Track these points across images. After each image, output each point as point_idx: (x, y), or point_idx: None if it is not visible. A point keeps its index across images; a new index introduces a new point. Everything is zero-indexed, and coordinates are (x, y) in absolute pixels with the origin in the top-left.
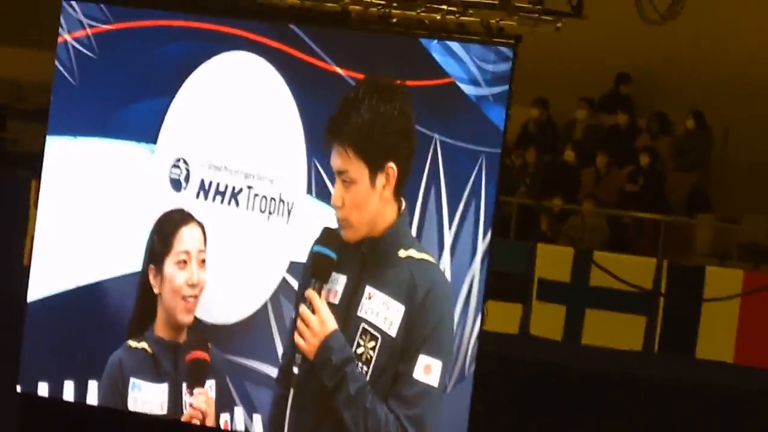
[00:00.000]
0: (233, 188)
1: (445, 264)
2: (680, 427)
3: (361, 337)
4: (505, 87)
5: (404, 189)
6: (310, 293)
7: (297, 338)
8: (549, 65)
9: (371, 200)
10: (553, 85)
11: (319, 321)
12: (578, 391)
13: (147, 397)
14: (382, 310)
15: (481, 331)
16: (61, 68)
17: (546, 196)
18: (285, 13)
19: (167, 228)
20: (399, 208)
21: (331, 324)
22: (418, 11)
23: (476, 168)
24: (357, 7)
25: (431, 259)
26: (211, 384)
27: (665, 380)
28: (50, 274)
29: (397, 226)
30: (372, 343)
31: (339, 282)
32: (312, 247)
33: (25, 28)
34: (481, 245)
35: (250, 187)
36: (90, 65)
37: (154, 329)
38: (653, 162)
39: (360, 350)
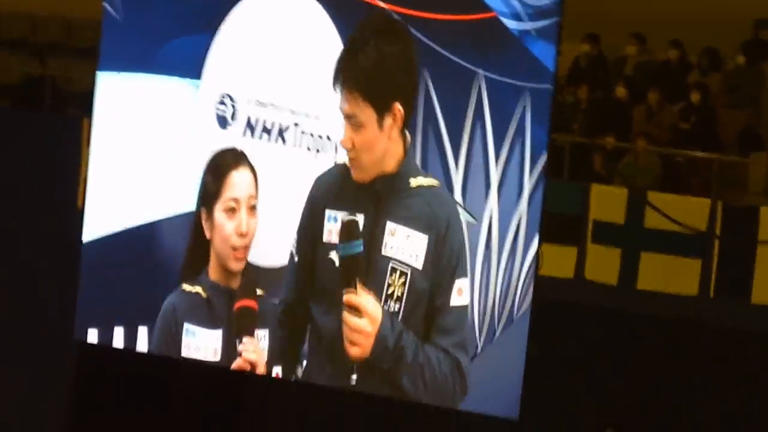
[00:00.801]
0: (280, 125)
1: (492, 204)
2: (736, 371)
3: (390, 277)
4: (548, 21)
5: (409, 122)
6: (350, 298)
7: (349, 347)
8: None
9: (380, 141)
10: (603, 20)
11: (370, 320)
12: (634, 336)
13: (201, 342)
14: (406, 245)
15: (537, 276)
16: (106, 3)
17: (598, 134)
18: None
19: (218, 170)
20: (405, 142)
21: (379, 313)
22: None
23: (522, 104)
24: None
25: (436, 182)
26: (264, 333)
27: (721, 326)
28: (101, 216)
29: (407, 160)
30: (402, 279)
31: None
32: (339, 249)
33: None
34: (528, 184)
35: (296, 125)
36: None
37: (208, 273)
38: (704, 99)
39: (390, 290)
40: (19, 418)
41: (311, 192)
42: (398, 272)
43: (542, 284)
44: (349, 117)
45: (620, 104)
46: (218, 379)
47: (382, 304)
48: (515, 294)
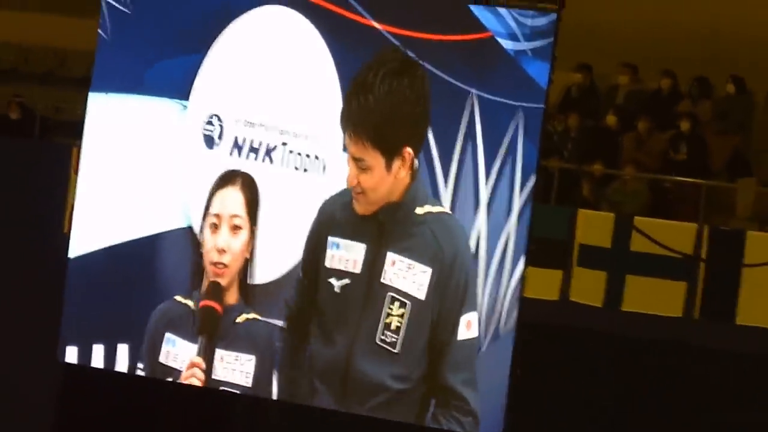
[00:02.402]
0: (267, 145)
1: (481, 221)
2: (720, 393)
3: (389, 307)
4: (544, 42)
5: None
6: None
7: None
8: (591, 30)
9: (387, 182)
10: (595, 49)
11: None
12: (619, 358)
13: (179, 353)
14: (408, 275)
15: (522, 298)
16: (100, 29)
17: (587, 162)
18: None
19: (211, 188)
20: (413, 171)
21: None
22: None
23: (514, 123)
24: None
25: (447, 210)
26: (250, 358)
27: (705, 346)
28: (87, 231)
29: (414, 188)
30: (401, 310)
31: (356, 250)
32: None
33: None
34: (518, 202)
35: (284, 144)
36: (123, 21)
37: (200, 289)
38: (694, 128)
39: (388, 320)
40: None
41: (317, 217)
42: (398, 302)
43: (527, 305)
44: (356, 160)
45: (610, 132)
46: (204, 398)
47: (379, 334)
48: (501, 312)
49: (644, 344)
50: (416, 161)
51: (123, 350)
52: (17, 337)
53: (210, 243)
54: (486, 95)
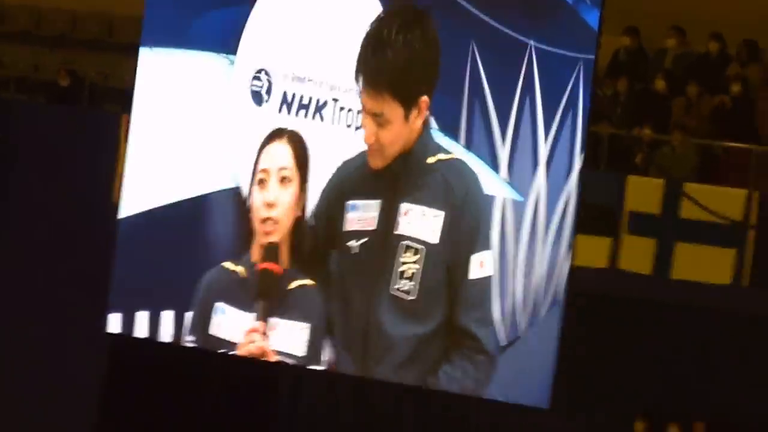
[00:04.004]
0: (318, 101)
1: (540, 182)
2: None
3: (404, 255)
4: None
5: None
6: None
7: None
8: None
9: (404, 133)
10: (643, 13)
11: None
12: (668, 326)
13: (230, 323)
14: (422, 223)
15: (571, 266)
16: None
17: (636, 126)
18: None
19: (259, 147)
20: (424, 122)
21: None
22: None
23: (574, 76)
24: None
25: (458, 155)
26: (305, 326)
27: (755, 314)
28: (136, 197)
29: (424, 138)
30: (416, 257)
31: (373, 208)
32: None
33: None
34: (578, 162)
35: (335, 100)
36: None
37: (250, 253)
38: (744, 90)
39: (403, 268)
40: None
41: (332, 181)
42: (412, 250)
43: (576, 273)
44: (375, 115)
45: (659, 96)
46: (249, 368)
47: (393, 284)
48: (559, 278)
49: (693, 312)
50: (426, 113)
51: (168, 318)
52: (66, 308)
53: (259, 200)
54: (545, 47)
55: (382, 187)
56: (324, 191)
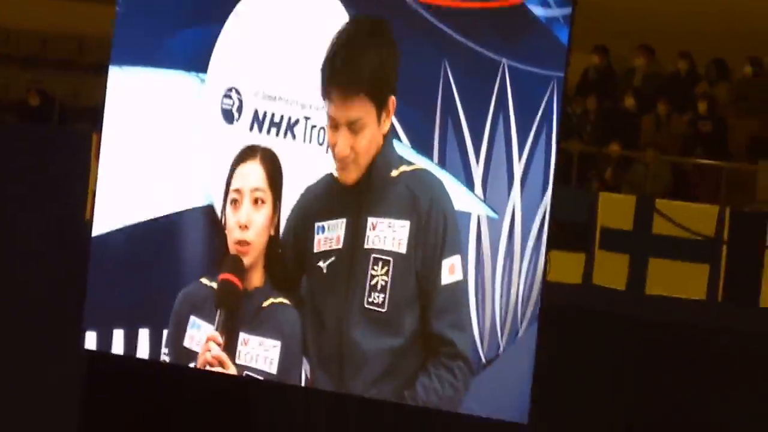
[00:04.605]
0: (289, 119)
1: (516, 198)
2: (744, 376)
3: (373, 268)
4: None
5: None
6: None
7: None
8: (608, 12)
9: (376, 139)
10: (612, 32)
11: None
12: (642, 341)
13: (203, 337)
14: (388, 234)
15: (544, 281)
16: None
17: (606, 143)
18: None
19: (232, 164)
20: (387, 131)
21: None
22: None
23: (547, 93)
24: None
25: (422, 165)
26: (276, 344)
27: (729, 329)
28: (109, 215)
29: (385, 149)
30: (385, 269)
31: (339, 227)
32: None
33: None
34: (553, 176)
35: (307, 118)
36: None
37: None
38: (712, 109)
39: (374, 281)
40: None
41: (299, 204)
42: (381, 262)
43: (551, 290)
44: (349, 123)
45: (629, 114)
46: (227, 384)
47: (366, 298)
48: (539, 292)
49: (668, 327)
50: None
51: (144, 335)
52: (39, 326)
53: (232, 220)
54: (518, 65)
55: (348, 206)
56: (290, 217)
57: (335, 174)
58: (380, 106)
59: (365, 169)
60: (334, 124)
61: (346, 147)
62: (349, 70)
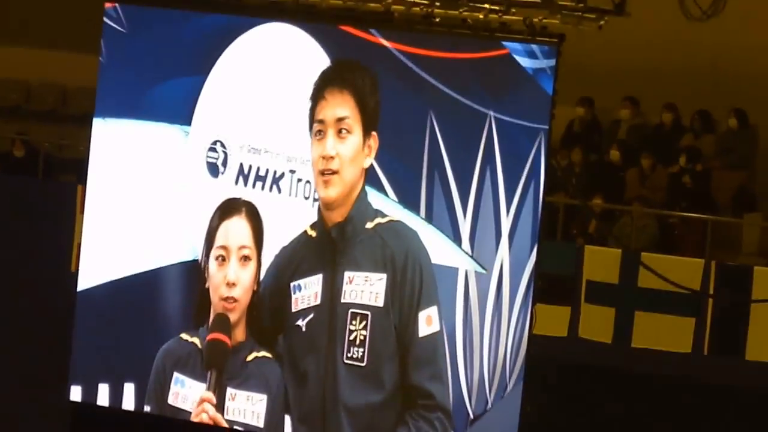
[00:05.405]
0: (275, 173)
1: (504, 253)
2: (730, 429)
3: (351, 323)
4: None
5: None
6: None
7: None
8: (593, 64)
9: (359, 161)
10: (596, 83)
11: None
12: (628, 394)
13: (188, 393)
14: (365, 288)
15: (530, 334)
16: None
17: (591, 196)
18: (327, 13)
19: (214, 219)
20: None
21: None
22: (461, 10)
23: (535, 146)
24: (400, 7)
25: (396, 218)
26: (262, 398)
27: (715, 382)
28: (94, 269)
29: (359, 202)
30: (363, 323)
31: (316, 283)
32: None
33: (70, 32)
34: (540, 232)
35: (293, 171)
36: (120, 41)
37: (207, 325)
38: (693, 162)
39: (353, 336)
40: None
41: (274, 265)
42: (358, 316)
43: (537, 343)
44: (339, 120)
45: (613, 167)
46: None
47: (345, 353)
48: (526, 350)
49: (654, 380)
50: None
51: (129, 390)
52: (26, 377)
53: (218, 277)
54: (505, 117)
55: (324, 260)
56: (265, 279)
57: (316, 218)
58: (366, 127)
59: (347, 191)
60: (322, 129)
61: (332, 148)
62: (339, 75)
